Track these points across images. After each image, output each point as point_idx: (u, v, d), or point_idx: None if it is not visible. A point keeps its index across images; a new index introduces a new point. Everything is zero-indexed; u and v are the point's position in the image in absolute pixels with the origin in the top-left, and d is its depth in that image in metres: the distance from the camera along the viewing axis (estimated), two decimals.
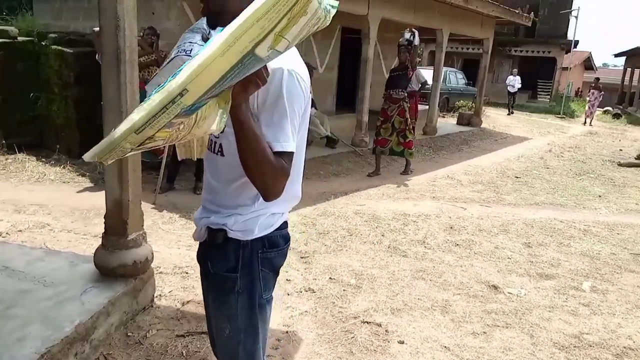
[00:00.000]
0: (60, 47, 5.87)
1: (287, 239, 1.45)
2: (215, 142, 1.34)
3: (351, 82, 9.83)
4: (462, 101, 14.71)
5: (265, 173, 1.16)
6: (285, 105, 1.19)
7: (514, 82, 17.66)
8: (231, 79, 0.96)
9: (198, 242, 1.48)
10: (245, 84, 1.03)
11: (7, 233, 3.75)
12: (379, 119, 6.51)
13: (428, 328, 2.87)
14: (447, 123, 12.65)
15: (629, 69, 25.00)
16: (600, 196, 6.32)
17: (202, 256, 1.45)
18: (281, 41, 0.94)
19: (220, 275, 1.36)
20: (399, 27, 10.29)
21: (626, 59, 25.29)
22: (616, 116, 20.44)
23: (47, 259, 2.96)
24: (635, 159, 9.04)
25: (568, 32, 22.93)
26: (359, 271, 3.56)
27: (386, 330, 2.82)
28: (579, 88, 30.56)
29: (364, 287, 3.33)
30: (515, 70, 18.50)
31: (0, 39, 5.97)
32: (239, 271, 1.35)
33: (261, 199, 1.26)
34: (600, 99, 17.16)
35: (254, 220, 1.34)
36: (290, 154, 1.20)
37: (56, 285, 2.59)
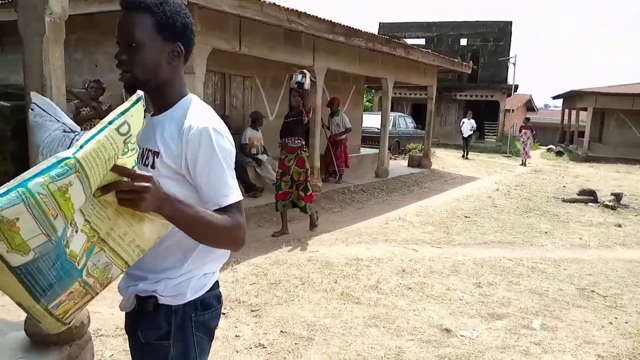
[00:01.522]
0: None
1: (219, 298, 1.41)
2: None
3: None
4: (412, 144, 15.16)
5: (222, 237, 1.20)
6: (220, 160, 1.23)
7: (468, 125, 17.38)
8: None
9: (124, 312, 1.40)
10: (136, 201, 1.02)
11: None
12: (277, 171, 5.94)
13: None
14: (398, 165, 12.95)
15: (566, 110, 26.63)
16: (546, 232, 6.53)
17: (131, 326, 1.37)
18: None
19: (152, 344, 1.29)
20: (348, 76, 10.67)
21: (563, 100, 26.98)
22: (559, 154, 21.57)
23: None
24: (578, 194, 9.47)
25: (508, 77, 24.37)
26: (312, 322, 3.47)
27: None
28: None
29: (316, 338, 3.23)
30: (470, 112, 18.24)
31: None
32: (172, 338, 1.29)
33: (190, 259, 1.24)
34: (533, 138, 17.33)
35: (185, 283, 1.29)
36: (239, 202, 1.24)
37: None
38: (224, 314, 3.51)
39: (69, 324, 1.09)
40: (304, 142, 5.79)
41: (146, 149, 1.28)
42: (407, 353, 3.08)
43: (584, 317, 3.79)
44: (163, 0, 1.25)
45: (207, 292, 1.34)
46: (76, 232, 0.98)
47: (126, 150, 1.03)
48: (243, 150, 7.84)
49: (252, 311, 3.59)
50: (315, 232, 5.97)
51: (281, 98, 9.36)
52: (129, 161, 1.04)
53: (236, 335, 3.21)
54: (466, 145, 17.62)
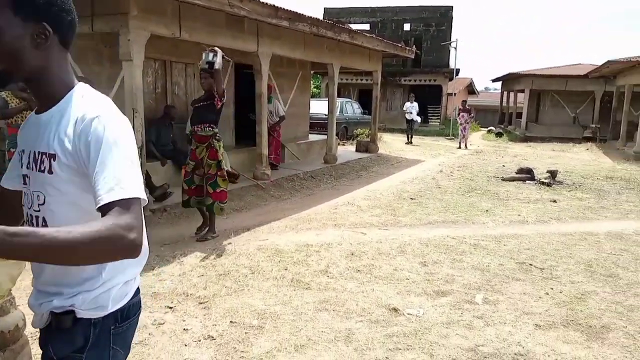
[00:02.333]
0: None
1: (138, 305, 1.32)
2: (37, 217, 1.19)
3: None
4: (359, 129, 15.31)
5: (98, 252, 1.00)
6: (112, 152, 1.08)
7: (412, 108, 16.93)
8: None
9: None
10: None
11: None
12: (188, 163, 5.19)
13: None
14: (346, 151, 13.07)
15: (505, 92, 27.73)
16: (487, 211, 6.81)
17: (44, 342, 1.26)
18: None
19: (66, 357, 1.19)
20: (293, 61, 10.59)
21: (502, 83, 28.06)
22: (498, 135, 22.47)
23: None
24: (516, 173, 9.91)
25: (450, 62, 25.03)
26: (262, 310, 3.45)
27: None
28: None
29: (266, 326, 3.22)
30: (412, 95, 17.76)
31: None
32: (86, 352, 1.20)
33: (107, 267, 1.15)
34: (471, 121, 17.12)
35: (105, 294, 1.19)
36: (130, 200, 1.05)
37: None
38: (170, 307, 3.44)
39: None
40: (216, 130, 5.12)
41: (39, 152, 1.16)
42: (356, 334, 3.13)
43: (523, 290, 3.99)
44: None
45: (129, 300, 1.26)
46: None
47: None
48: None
49: (201, 303, 3.53)
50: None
51: (225, 85, 9.16)
52: None
53: (184, 329, 3.15)
54: (410, 129, 17.25)
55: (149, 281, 3.89)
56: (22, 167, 1.23)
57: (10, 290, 1.02)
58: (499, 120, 28.10)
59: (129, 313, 1.27)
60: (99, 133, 1.09)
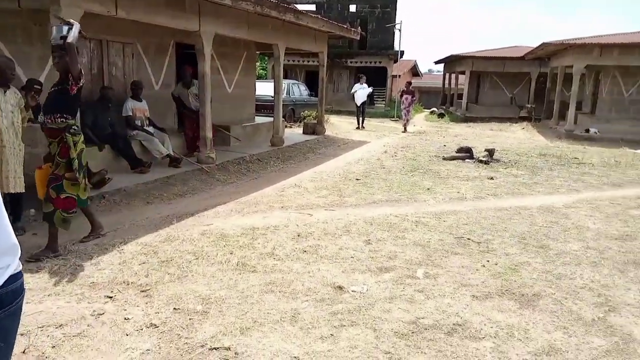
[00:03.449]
0: None
1: (18, 293, 1.28)
2: None
3: None
4: (306, 111, 15.29)
5: None
6: None
7: (361, 90, 15.75)
8: None
9: None
10: None
11: None
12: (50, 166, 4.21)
13: (278, 341, 2.85)
14: (293, 133, 13.03)
15: (447, 74, 28.49)
16: (428, 189, 7.02)
17: None
18: None
19: None
20: (238, 42, 10.36)
21: (444, 65, 28.80)
22: (440, 116, 23.13)
23: None
24: (456, 152, 10.26)
25: (394, 44, 25.34)
26: (206, 295, 3.41)
27: (235, 353, 2.73)
28: None
29: (211, 311, 3.19)
30: (362, 76, 16.43)
31: None
32: None
33: None
34: (414, 103, 16.63)
35: None
36: None
37: None
38: (110, 297, 3.33)
39: None
40: (71, 122, 4.16)
41: None
42: (302, 314, 3.17)
43: (461, 263, 4.16)
44: None
45: (1, 287, 1.22)
46: None
47: None
48: (128, 123, 7.35)
49: (142, 291, 3.44)
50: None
51: (166, 66, 8.86)
52: None
53: (125, 318, 3.06)
54: (361, 113, 16.10)
55: (87, 271, 3.75)
56: None
57: None
58: (442, 101, 28.92)
59: (2, 302, 1.23)
60: None
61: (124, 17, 6.06)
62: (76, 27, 3.94)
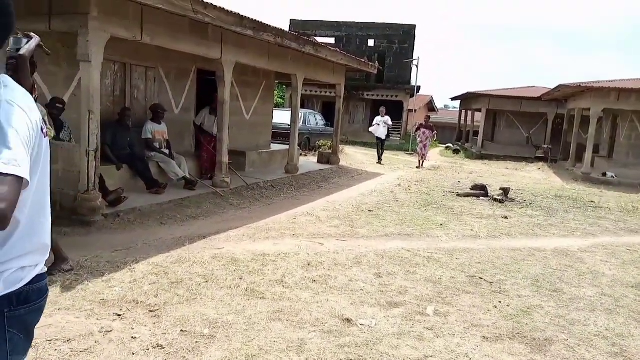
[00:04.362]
0: None
1: (42, 292, 1.37)
2: None
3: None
4: (322, 141, 15.42)
5: None
6: (6, 129, 1.12)
7: (382, 122, 15.19)
8: None
9: None
10: None
11: None
12: None
13: None
14: (308, 161, 13.12)
15: (463, 111, 28.63)
16: (441, 225, 6.97)
17: None
18: None
19: None
20: (258, 71, 10.60)
21: (461, 102, 28.98)
22: (455, 151, 23.13)
23: None
24: (471, 189, 10.21)
25: (411, 79, 25.66)
26: (214, 319, 3.40)
27: None
28: None
29: (218, 336, 3.17)
30: (383, 109, 15.74)
31: None
32: None
33: (2, 253, 1.17)
34: (433, 138, 15.88)
35: None
36: (12, 176, 1.09)
37: None
38: (119, 315, 3.34)
39: None
40: None
41: None
42: (309, 344, 3.13)
43: (472, 302, 4.10)
44: None
45: (26, 285, 1.30)
46: None
47: None
48: (148, 145, 7.49)
49: (151, 311, 3.45)
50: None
51: (187, 91, 9.07)
52: None
53: (132, 337, 3.06)
54: (381, 147, 15.41)
55: (97, 287, 3.77)
56: None
57: None
58: (457, 137, 28.96)
59: (29, 297, 1.30)
60: None
61: (148, 42, 6.26)
62: (34, 41, 3.78)
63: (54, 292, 3.62)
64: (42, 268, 1.36)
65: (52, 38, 6.30)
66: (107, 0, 5.40)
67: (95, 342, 2.97)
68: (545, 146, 21.41)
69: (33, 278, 1.32)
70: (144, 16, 6.00)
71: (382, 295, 4.07)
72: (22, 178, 1.11)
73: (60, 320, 3.20)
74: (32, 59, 3.86)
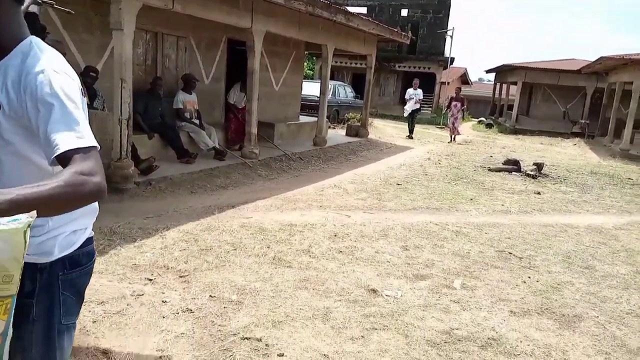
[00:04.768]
0: None
1: (91, 255, 1.40)
2: None
3: None
4: (351, 113, 15.27)
5: (74, 198, 1.06)
6: (65, 104, 1.12)
7: (415, 95, 14.41)
8: None
9: None
10: None
11: None
12: None
13: (309, 338, 2.86)
14: (336, 134, 13.04)
15: (498, 84, 27.79)
16: (471, 199, 6.86)
17: None
18: None
19: (18, 303, 1.22)
20: (288, 41, 10.48)
21: (495, 74, 28.09)
22: (489, 126, 22.57)
23: None
24: (503, 164, 9.99)
25: (445, 50, 24.97)
26: (242, 286, 3.47)
27: (266, 345, 2.76)
28: None
29: (245, 302, 3.24)
30: (416, 81, 14.90)
31: None
32: (35, 297, 1.27)
33: (55, 218, 1.19)
34: (464, 112, 15.33)
35: (51, 241, 1.26)
36: (88, 148, 1.10)
37: None
38: (150, 279, 3.44)
39: None
40: None
41: None
42: (334, 313, 3.17)
43: (501, 277, 4.05)
44: None
45: (78, 249, 1.32)
46: None
47: None
48: (179, 115, 7.57)
49: (181, 277, 3.54)
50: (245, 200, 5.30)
51: (217, 61, 9.07)
52: None
53: (163, 301, 3.16)
54: (412, 121, 14.86)
55: (129, 253, 3.88)
56: None
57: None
58: (491, 111, 28.21)
59: (80, 261, 1.34)
60: (46, 86, 1.12)
61: (179, 11, 6.25)
62: None
63: None
64: (90, 232, 1.39)
65: (86, 6, 6.37)
66: None
67: (127, 304, 3.08)
68: (583, 121, 20.64)
69: (84, 242, 1.35)
70: None
71: (409, 267, 4.06)
72: (97, 147, 1.13)
73: (94, 282, 3.31)
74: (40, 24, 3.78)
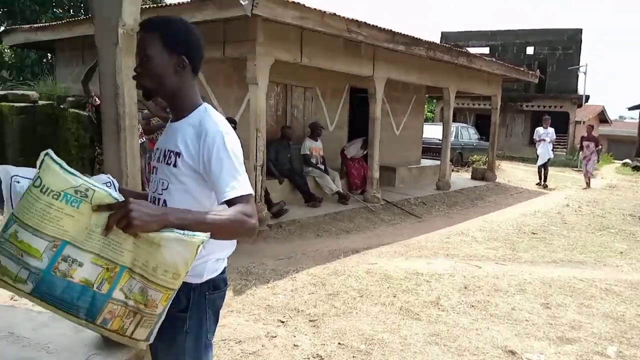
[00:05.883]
0: (77, 110, 6.08)
1: (226, 282, 1.62)
2: (159, 199, 1.51)
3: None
4: (475, 156, 14.70)
5: (228, 231, 1.34)
6: (231, 159, 1.41)
7: (546, 136, 12.36)
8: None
9: None
10: (129, 223, 1.17)
11: (16, 298, 3.72)
12: None
13: None
14: (460, 178, 12.59)
15: None
16: (621, 252, 6.10)
17: None
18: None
19: (171, 315, 1.41)
20: (408, 85, 10.56)
21: None
22: (635, 168, 20.15)
23: (52, 324, 2.89)
24: None
25: (578, 87, 23.18)
26: (370, 335, 3.42)
27: None
28: None
29: (374, 353, 3.18)
30: (546, 118, 12.71)
31: (22, 103, 6.22)
32: (189, 311, 1.49)
33: (207, 245, 1.34)
34: (599, 153, 13.33)
35: (202, 265, 1.49)
36: (247, 196, 1.38)
37: (60, 352, 2.51)
38: (282, 322, 3.55)
39: (146, 340, 1.30)
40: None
41: (168, 150, 1.50)
42: None
43: None
44: (170, 21, 1.50)
45: (218, 275, 1.55)
46: (80, 265, 1.21)
47: (79, 196, 1.20)
48: (306, 161, 7.94)
49: (311, 321, 3.60)
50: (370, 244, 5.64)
51: (340, 108, 9.41)
52: (102, 198, 1.22)
53: (294, 345, 3.22)
54: (544, 167, 12.58)
55: (263, 293, 4.06)
56: (153, 160, 1.60)
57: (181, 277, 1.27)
58: (636, 152, 25.22)
59: (219, 285, 1.56)
60: (220, 145, 1.42)
61: (307, 63, 6.66)
62: None
63: (227, 295, 4.00)
64: (226, 262, 1.61)
65: (226, 63, 7.09)
66: (271, 26, 5.86)
67: (262, 345, 3.20)
68: None
69: (222, 269, 1.58)
70: (303, 39, 6.40)
71: (551, 328, 3.68)
72: (252, 193, 1.42)
73: (232, 322, 3.52)
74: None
